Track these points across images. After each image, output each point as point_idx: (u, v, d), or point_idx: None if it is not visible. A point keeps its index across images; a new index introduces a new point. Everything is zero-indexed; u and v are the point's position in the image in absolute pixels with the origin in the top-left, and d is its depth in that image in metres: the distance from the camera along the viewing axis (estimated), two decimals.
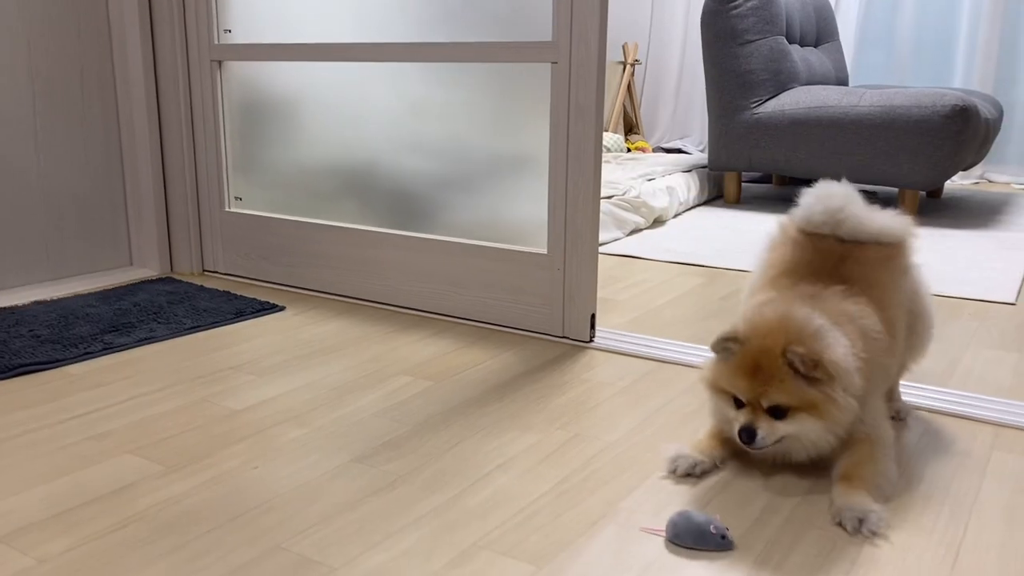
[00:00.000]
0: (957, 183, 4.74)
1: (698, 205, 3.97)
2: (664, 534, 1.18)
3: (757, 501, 1.29)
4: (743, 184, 4.39)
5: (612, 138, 4.79)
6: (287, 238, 2.43)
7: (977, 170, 4.77)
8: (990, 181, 4.80)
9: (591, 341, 2.01)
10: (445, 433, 1.51)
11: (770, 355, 1.28)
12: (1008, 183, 4.73)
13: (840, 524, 1.22)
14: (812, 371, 1.26)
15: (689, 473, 1.34)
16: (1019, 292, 2.49)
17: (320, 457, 1.42)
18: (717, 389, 1.36)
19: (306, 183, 2.43)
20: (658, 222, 3.53)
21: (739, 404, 1.33)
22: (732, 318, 2.25)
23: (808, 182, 1.58)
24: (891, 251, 1.49)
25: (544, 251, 2.03)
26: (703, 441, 1.40)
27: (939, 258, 2.86)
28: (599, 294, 2.46)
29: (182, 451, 1.43)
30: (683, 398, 1.68)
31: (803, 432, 1.29)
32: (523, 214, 2.08)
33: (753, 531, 1.21)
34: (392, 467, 1.38)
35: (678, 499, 1.29)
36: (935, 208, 3.88)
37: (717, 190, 4.19)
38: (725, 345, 1.33)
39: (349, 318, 2.18)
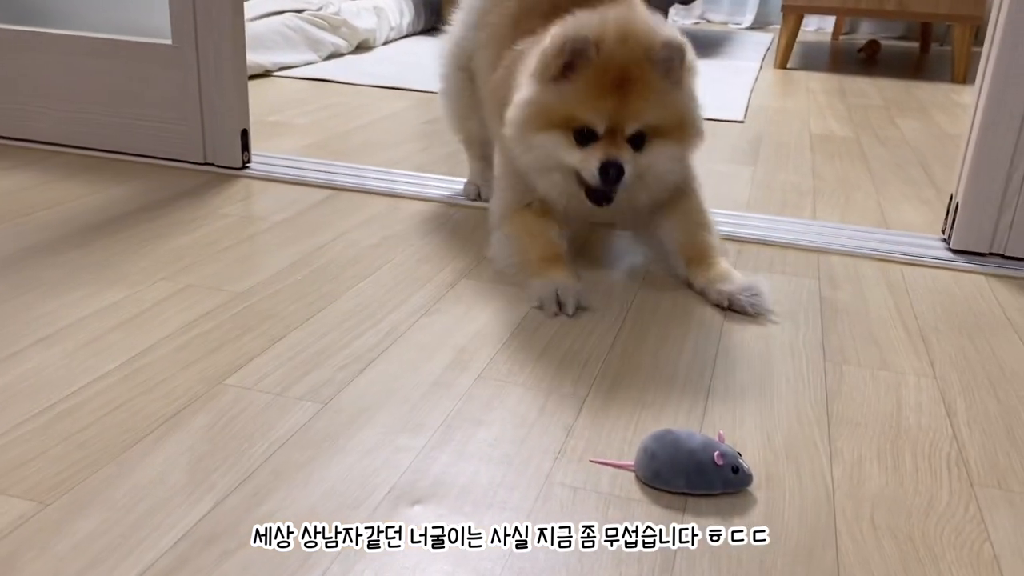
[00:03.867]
0: (679, 22, 4.63)
1: (413, 34, 3.46)
2: (632, 469, 0.70)
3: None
4: None
5: None
6: None
7: (696, 9, 4.69)
8: (709, 21, 4.75)
9: (244, 167, 1.48)
10: None
11: (638, 64, 0.96)
12: (725, 23, 4.71)
13: (733, 308, 1.00)
14: (681, 69, 0.99)
15: (580, 307, 0.99)
16: (746, 111, 2.29)
17: None
18: (555, 122, 0.97)
19: None
20: (363, 48, 2.98)
21: (582, 140, 0.97)
22: (439, 142, 1.85)
23: None
24: None
25: (169, 41, 1.44)
26: (544, 249, 1.04)
27: None
28: (271, 118, 1.91)
29: None
30: (361, 231, 1.24)
31: (659, 162, 1.01)
32: None
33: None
34: None
35: (341, 373, 0.85)
36: None
37: (436, 19, 3.69)
38: (581, 47, 0.94)
39: None
